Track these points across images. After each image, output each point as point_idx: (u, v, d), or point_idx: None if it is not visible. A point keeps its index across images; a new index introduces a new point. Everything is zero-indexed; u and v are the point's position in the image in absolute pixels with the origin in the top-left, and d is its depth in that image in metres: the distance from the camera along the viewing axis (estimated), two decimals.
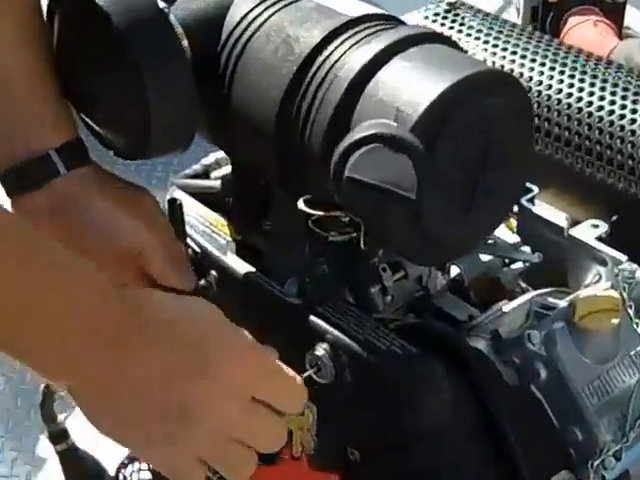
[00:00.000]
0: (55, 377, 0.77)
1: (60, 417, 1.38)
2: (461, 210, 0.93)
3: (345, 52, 0.94)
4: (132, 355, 0.74)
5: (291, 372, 0.83)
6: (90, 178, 0.96)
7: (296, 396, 0.84)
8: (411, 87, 0.89)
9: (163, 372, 0.75)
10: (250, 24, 1.00)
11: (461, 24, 1.45)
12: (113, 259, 0.96)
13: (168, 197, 1.11)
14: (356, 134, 0.87)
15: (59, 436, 1.39)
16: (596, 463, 1.00)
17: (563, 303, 1.05)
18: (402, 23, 1.01)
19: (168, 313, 0.78)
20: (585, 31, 1.76)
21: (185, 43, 0.95)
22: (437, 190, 0.88)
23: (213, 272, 1.08)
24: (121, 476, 1.29)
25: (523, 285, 1.16)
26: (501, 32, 1.42)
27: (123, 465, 1.24)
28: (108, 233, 0.96)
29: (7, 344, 0.71)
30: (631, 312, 1.06)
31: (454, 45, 0.99)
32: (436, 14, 1.47)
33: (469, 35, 1.43)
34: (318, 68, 0.94)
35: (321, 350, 0.96)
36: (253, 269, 1.06)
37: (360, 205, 0.90)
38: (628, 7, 2.74)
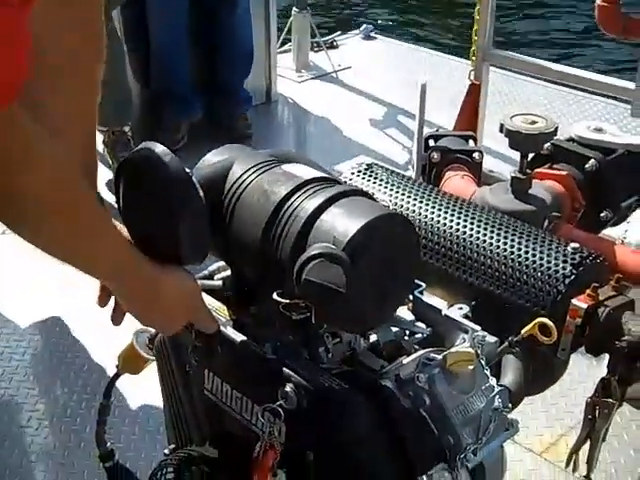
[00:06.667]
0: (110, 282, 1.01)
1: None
2: (374, 299, 1.03)
3: (302, 202, 1.04)
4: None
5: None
6: None
7: None
8: (342, 224, 1.00)
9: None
10: (242, 182, 1.09)
11: (375, 178, 1.55)
12: None
13: None
14: (309, 252, 0.97)
15: (107, 456, 1.35)
16: (461, 456, 1.06)
17: (440, 356, 1.10)
18: (338, 182, 1.11)
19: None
20: (456, 182, 1.80)
21: (202, 194, 1.02)
22: (358, 287, 0.98)
23: None
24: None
25: (417, 347, 1.19)
26: (400, 183, 1.52)
27: (154, 473, 1.21)
28: None
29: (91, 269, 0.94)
30: (483, 362, 1.13)
31: (369, 196, 1.09)
32: (359, 171, 1.57)
33: (380, 185, 1.53)
34: (285, 211, 1.04)
35: (288, 387, 1.03)
36: (244, 337, 1.12)
37: (312, 295, 0.99)
38: (492, 157, 2.91)
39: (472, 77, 3.04)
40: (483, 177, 1.94)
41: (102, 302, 1.11)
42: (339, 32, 4.99)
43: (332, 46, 4.67)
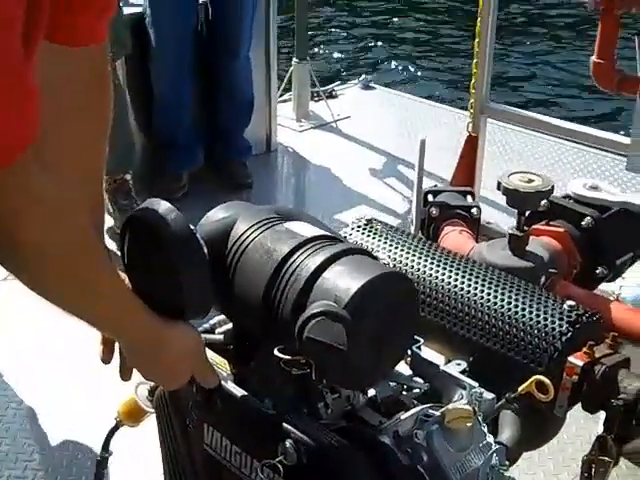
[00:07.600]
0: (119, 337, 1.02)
1: None
2: (373, 356, 1.03)
3: (303, 260, 1.05)
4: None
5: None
6: None
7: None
8: (343, 282, 1.01)
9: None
10: (245, 239, 1.10)
11: (375, 233, 1.57)
12: None
13: None
14: (311, 310, 0.98)
15: None
16: None
17: (438, 413, 1.11)
18: (339, 240, 1.12)
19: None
20: (454, 237, 1.80)
21: (205, 250, 1.03)
22: (358, 344, 0.99)
23: None
24: None
25: (415, 402, 1.19)
26: (400, 239, 1.54)
27: None
28: None
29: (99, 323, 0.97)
30: (480, 419, 1.13)
31: (369, 254, 1.11)
32: (359, 226, 1.59)
33: (379, 240, 1.55)
34: (287, 269, 1.05)
35: (288, 444, 1.04)
36: (244, 392, 1.13)
37: (313, 353, 1.00)
38: (489, 207, 2.92)
39: (470, 129, 3.09)
40: (480, 228, 1.95)
41: (106, 358, 1.12)
42: (338, 82, 5.06)
43: (331, 96, 4.73)
